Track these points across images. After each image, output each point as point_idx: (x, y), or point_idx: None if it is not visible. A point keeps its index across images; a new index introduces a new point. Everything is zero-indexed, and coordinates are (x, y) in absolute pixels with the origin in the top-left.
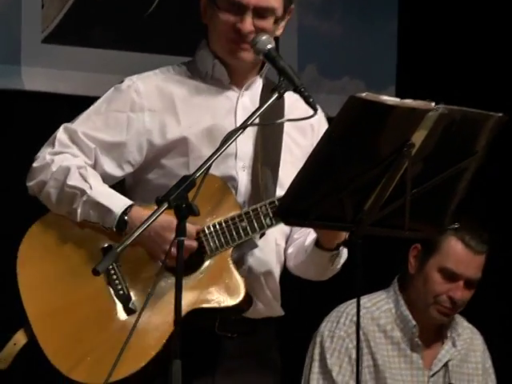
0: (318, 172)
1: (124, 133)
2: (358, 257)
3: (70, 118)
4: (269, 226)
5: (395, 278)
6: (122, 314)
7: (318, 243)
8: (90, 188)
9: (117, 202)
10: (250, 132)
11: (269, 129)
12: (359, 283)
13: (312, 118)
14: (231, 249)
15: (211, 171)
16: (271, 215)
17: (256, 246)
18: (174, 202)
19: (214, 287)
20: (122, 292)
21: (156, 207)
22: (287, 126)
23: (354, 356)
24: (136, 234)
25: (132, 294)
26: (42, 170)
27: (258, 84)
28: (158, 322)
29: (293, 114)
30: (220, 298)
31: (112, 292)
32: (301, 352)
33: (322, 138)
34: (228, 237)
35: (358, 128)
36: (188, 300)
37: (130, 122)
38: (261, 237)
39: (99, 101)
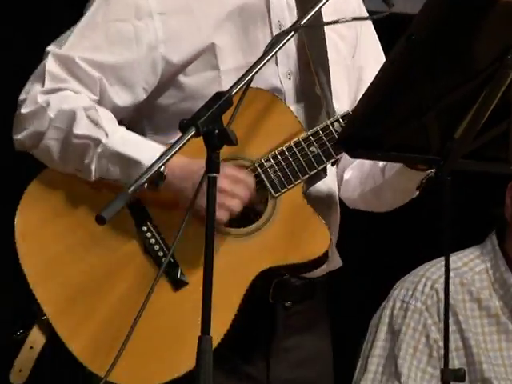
0: (394, 88)
1: (133, 48)
2: (445, 199)
3: None
4: None
5: (493, 231)
6: (168, 290)
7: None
8: (106, 135)
9: (146, 149)
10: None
11: (310, 30)
12: (447, 235)
13: (352, 5)
14: (302, 184)
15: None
16: None
17: (325, 175)
18: (204, 127)
19: (290, 236)
20: (164, 259)
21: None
22: (327, 16)
23: (433, 335)
24: (155, 168)
25: (179, 260)
26: (34, 117)
27: None
28: (217, 296)
29: (334, 6)
30: (301, 250)
31: (151, 260)
32: (355, 327)
33: (398, 43)
34: (296, 169)
35: (447, 29)
36: (255, 259)
37: (138, 32)
38: (333, 164)
39: (91, 10)
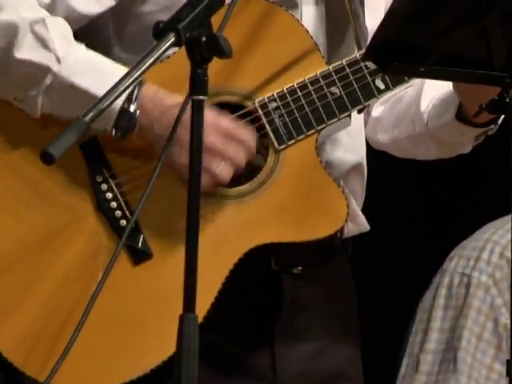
0: None
1: None
2: None
3: None
4: (381, 92)
5: None
6: (125, 263)
7: (460, 114)
8: (58, 61)
9: (110, 79)
10: None
11: None
12: None
13: None
14: (316, 136)
15: None
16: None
17: (348, 124)
18: (187, 33)
19: (292, 206)
20: (124, 222)
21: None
22: None
23: (504, 320)
24: (120, 89)
25: (142, 225)
26: None
27: None
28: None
29: None
30: (304, 226)
31: (105, 222)
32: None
33: None
34: (309, 114)
35: None
36: (244, 232)
37: None
38: (360, 111)
39: None
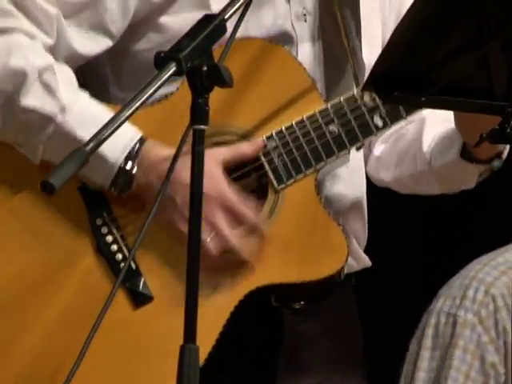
0: (444, 7)
1: None
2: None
3: None
4: (380, 130)
5: None
6: (125, 306)
7: (464, 152)
8: (62, 110)
9: (115, 135)
10: None
11: None
12: None
13: None
14: (315, 175)
15: (243, 27)
16: (383, 110)
17: (347, 160)
18: (188, 62)
19: (293, 246)
20: (123, 265)
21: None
22: None
23: (490, 358)
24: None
25: (142, 268)
26: None
27: None
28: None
29: None
30: (306, 267)
31: (105, 265)
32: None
33: None
34: (308, 153)
35: None
36: (246, 272)
37: None
38: (358, 148)
39: None
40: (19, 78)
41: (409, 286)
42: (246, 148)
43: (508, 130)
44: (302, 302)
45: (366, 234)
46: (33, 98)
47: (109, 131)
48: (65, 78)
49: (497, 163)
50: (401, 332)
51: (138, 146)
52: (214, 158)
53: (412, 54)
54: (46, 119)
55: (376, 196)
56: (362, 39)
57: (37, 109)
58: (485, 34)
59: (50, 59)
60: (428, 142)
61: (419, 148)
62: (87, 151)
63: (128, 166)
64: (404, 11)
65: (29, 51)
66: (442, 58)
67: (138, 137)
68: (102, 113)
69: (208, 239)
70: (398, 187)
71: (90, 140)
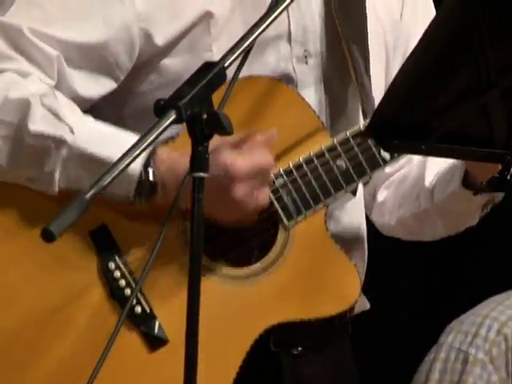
0: (444, 56)
1: (99, 24)
2: None
3: None
4: (387, 163)
5: None
6: (141, 349)
7: (466, 182)
8: (71, 131)
9: (124, 143)
10: None
11: None
12: None
13: None
14: (324, 210)
15: (245, 69)
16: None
17: (352, 197)
18: (188, 110)
19: (308, 282)
20: (139, 309)
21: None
22: None
23: None
24: (122, 167)
25: (156, 311)
26: None
27: None
28: (207, 362)
29: None
30: (321, 302)
31: (118, 308)
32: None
33: None
34: (317, 189)
35: None
36: (260, 311)
37: (107, 3)
38: (365, 184)
39: None
40: (23, 108)
41: (408, 331)
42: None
43: (508, 178)
44: (299, 348)
45: (364, 274)
46: (41, 124)
47: (109, 179)
48: (66, 101)
49: (499, 195)
50: (400, 380)
51: (151, 154)
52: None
53: (412, 102)
54: (58, 142)
55: (377, 240)
56: (370, 74)
57: (46, 133)
58: (485, 83)
59: (48, 87)
60: (430, 179)
61: (422, 186)
62: (87, 199)
63: (148, 173)
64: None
65: (26, 82)
66: (442, 106)
67: (152, 146)
68: (110, 130)
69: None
70: (403, 231)
71: (91, 187)
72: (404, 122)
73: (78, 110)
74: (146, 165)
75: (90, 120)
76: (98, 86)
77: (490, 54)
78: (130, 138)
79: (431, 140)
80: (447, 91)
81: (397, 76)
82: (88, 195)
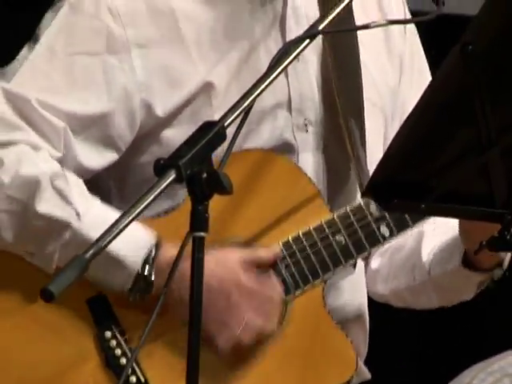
0: (443, 117)
1: (102, 94)
2: None
3: None
4: (386, 239)
5: None
6: None
7: (465, 260)
8: (78, 216)
9: (131, 240)
10: (309, 55)
11: (338, 48)
12: None
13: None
14: (322, 285)
15: (243, 137)
16: (389, 219)
17: (352, 272)
18: (188, 170)
19: (304, 357)
20: (134, 379)
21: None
22: (365, 39)
23: None
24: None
25: (151, 381)
26: None
27: None
28: None
29: (371, 12)
30: (317, 378)
31: (113, 377)
32: None
33: (450, 55)
34: (316, 264)
35: None
36: None
37: (110, 72)
38: (365, 259)
39: (48, 34)
40: (32, 186)
41: None
42: (263, 253)
43: (508, 238)
44: None
45: (367, 347)
46: (48, 205)
47: (108, 239)
48: (76, 184)
49: (498, 272)
50: None
51: (154, 250)
52: (232, 252)
53: (411, 162)
54: (63, 225)
55: (376, 309)
56: (366, 147)
57: (53, 215)
58: (485, 142)
59: (58, 166)
60: (427, 252)
61: (418, 259)
62: (87, 258)
63: (146, 271)
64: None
65: (38, 159)
66: (442, 165)
67: (154, 241)
68: (116, 215)
69: (238, 331)
70: (395, 300)
71: (90, 247)
72: (403, 182)
73: (86, 192)
74: (146, 262)
75: (97, 204)
76: (100, 158)
77: (490, 114)
78: (134, 224)
79: (431, 199)
80: (446, 151)
81: (396, 136)
82: (87, 255)
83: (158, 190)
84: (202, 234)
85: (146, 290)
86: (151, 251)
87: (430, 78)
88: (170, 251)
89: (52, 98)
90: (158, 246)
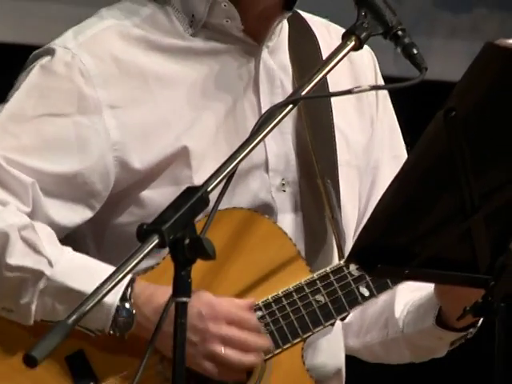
0: (427, 182)
1: (74, 154)
2: (499, 335)
3: None
4: (366, 299)
5: None
6: None
7: (439, 319)
8: (50, 264)
9: (103, 277)
10: (286, 120)
11: (312, 111)
12: (498, 376)
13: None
14: (301, 344)
15: (225, 199)
16: (369, 279)
17: (330, 330)
18: (171, 235)
19: None
20: None
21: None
22: (336, 101)
23: None
24: (105, 290)
25: None
26: None
27: (283, 28)
28: None
29: (344, 79)
30: None
31: None
32: None
33: (433, 121)
34: (295, 323)
35: (502, 100)
36: None
37: (81, 133)
38: (343, 319)
39: (18, 95)
40: (1, 240)
41: None
42: (240, 302)
43: (492, 303)
44: None
45: None
46: (19, 257)
47: (91, 304)
48: (45, 233)
49: (472, 331)
50: None
51: (130, 286)
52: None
53: (395, 228)
54: (36, 275)
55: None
56: (341, 210)
57: (25, 266)
58: (468, 208)
59: (26, 218)
60: (401, 308)
61: (391, 315)
62: (69, 324)
63: (126, 306)
64: (378, 179)
65: (5, 213)
66: (425, 231)
67: (129, 277)
68: (89, 262)
69: (222, 350)
70: (366, 355)
71: (73, 312)
72: (387, 247)
73: (57, 241)
74: (124, 299)
75: (68, 251)
76: (72, 215)
77: (473, 179)
78: (110, 270)
79: (414, 264)
80: (430, 216)
81: (380, 201)
82: (70, 320)
83: (141, 255)
84: (185, 299)
85: (127, 325)
86: (127, 287)
87: (401, 139)
88: (145, 285)
89: (21, 156)
90: (132, 281)
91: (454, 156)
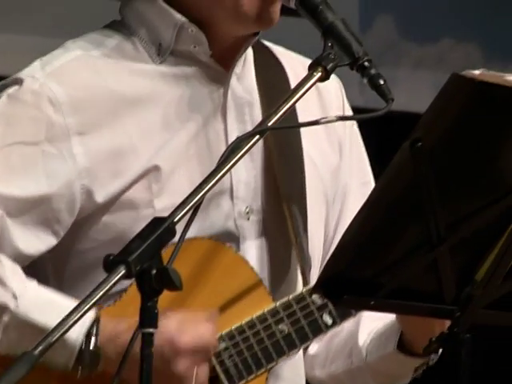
0: (393, 214)
1: (41, 180)
2: (463, 363)
3: None
4: (329, 327)
5: None
6: None
7: (401, 345)
8: (14, 298)
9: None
10: (255, 146)
11: (282, 138)
12: None
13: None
14: (265, 374)
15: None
16: (332, 307)
17: (292, 357)
18: (138, 265)
19: None
20: None
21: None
22: (306, 128)
23: None
24: (70, 322)
25: None
26: None
27: (248, 54)
28: None
29: (312, 108)
30: None
31: None
32: None
33: (399, 152)
34: (259, 353)
35: (467, 132)
36: None
37: (49, 161)
38: (307, 347)
39: None
40: None
41: None
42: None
43: (457, 334)
44: None
45: None
46: None
47: (57, 335)
48: (10, 267)
49: (434, 357)
50: None
51: (95, 322)
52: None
53: (361, 258)
54: (0, 309)
55: None
56: (308, 235)
57: None
58: (434, 239)
59: None
60: (364, 337)
61: (355, 344)
62: (36, 355)
63: (90, 342)
64: (345, 208)
65: None
66: (391, 262)
67: (93, 314)
68: (53, 296)
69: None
70: None
71: (39, 343)
72: (353, 278)
73: (22, 274)
74: (88, 334)
75: (33, 285)
76: (38, 243)
77: (439, 210)
78: (74, 304)
79: (380, 295)
80: (396, 247)
81: (346, 231)
82: (36, 351)
83: (108, 286)
84: (151, 330)
85: (93, 362)
86: (92, 323)
87: (368, 166)
88: (111, 321)
89: None
90: (97, 318)
91: (420, 187)
